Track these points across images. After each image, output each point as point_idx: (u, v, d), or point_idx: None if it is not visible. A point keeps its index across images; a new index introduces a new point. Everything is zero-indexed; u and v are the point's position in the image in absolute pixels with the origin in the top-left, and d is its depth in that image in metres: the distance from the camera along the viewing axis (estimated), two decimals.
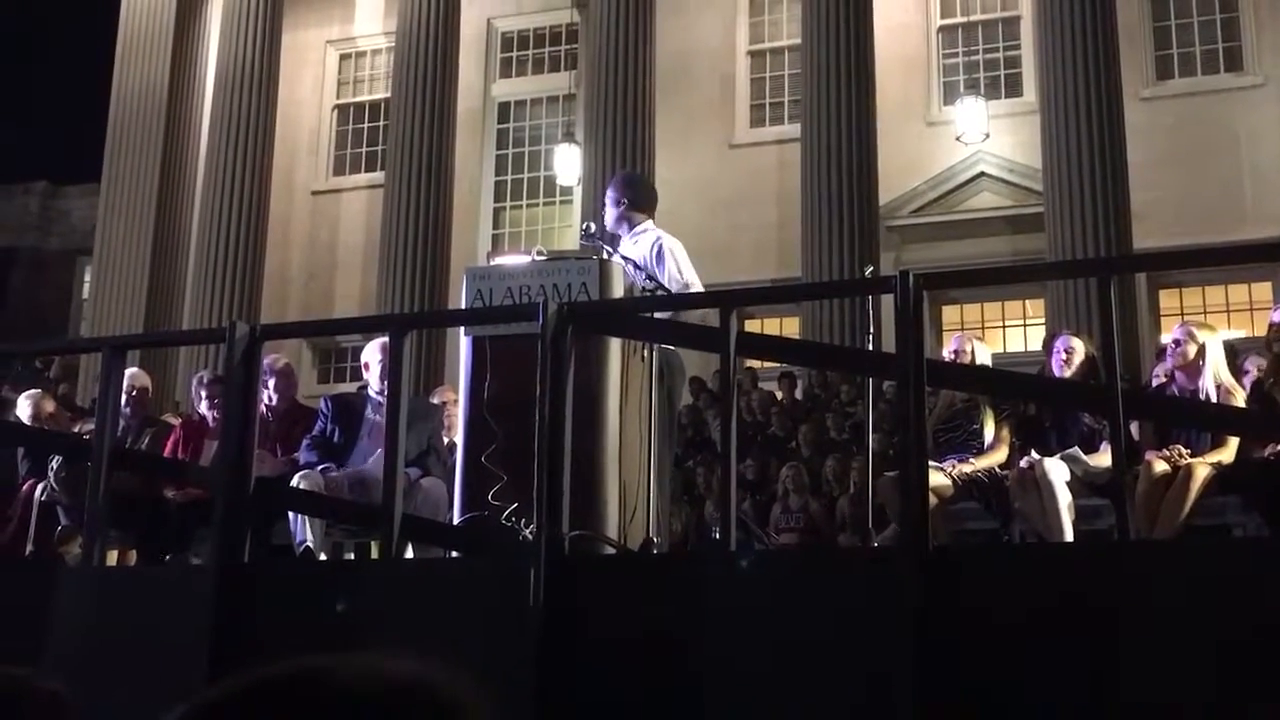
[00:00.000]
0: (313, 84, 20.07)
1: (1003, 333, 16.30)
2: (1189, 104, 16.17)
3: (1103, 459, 5.78)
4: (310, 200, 19.72)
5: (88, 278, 20.68)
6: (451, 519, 5.69)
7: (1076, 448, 6.07)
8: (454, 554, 5.81)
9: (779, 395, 12.87)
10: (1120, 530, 4.56)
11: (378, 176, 18.33)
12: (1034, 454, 5.99)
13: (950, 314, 16.35)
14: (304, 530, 6.16)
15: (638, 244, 6.27)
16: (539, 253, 5.85)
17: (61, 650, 5.10)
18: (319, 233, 19.51)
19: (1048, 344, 8.14)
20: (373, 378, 6.79)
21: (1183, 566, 4.30)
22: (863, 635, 4.30)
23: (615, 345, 5.43)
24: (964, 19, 17.39)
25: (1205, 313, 14.90)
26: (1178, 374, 6.17)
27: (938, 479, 5.85)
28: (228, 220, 17.06)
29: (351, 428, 6.70)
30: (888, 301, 4.91)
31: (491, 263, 6.01)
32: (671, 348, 5.92)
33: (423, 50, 17.08)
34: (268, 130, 17.62)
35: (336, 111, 20.20)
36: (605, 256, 5.80)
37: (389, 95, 18.09)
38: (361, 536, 6.42)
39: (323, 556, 6.23)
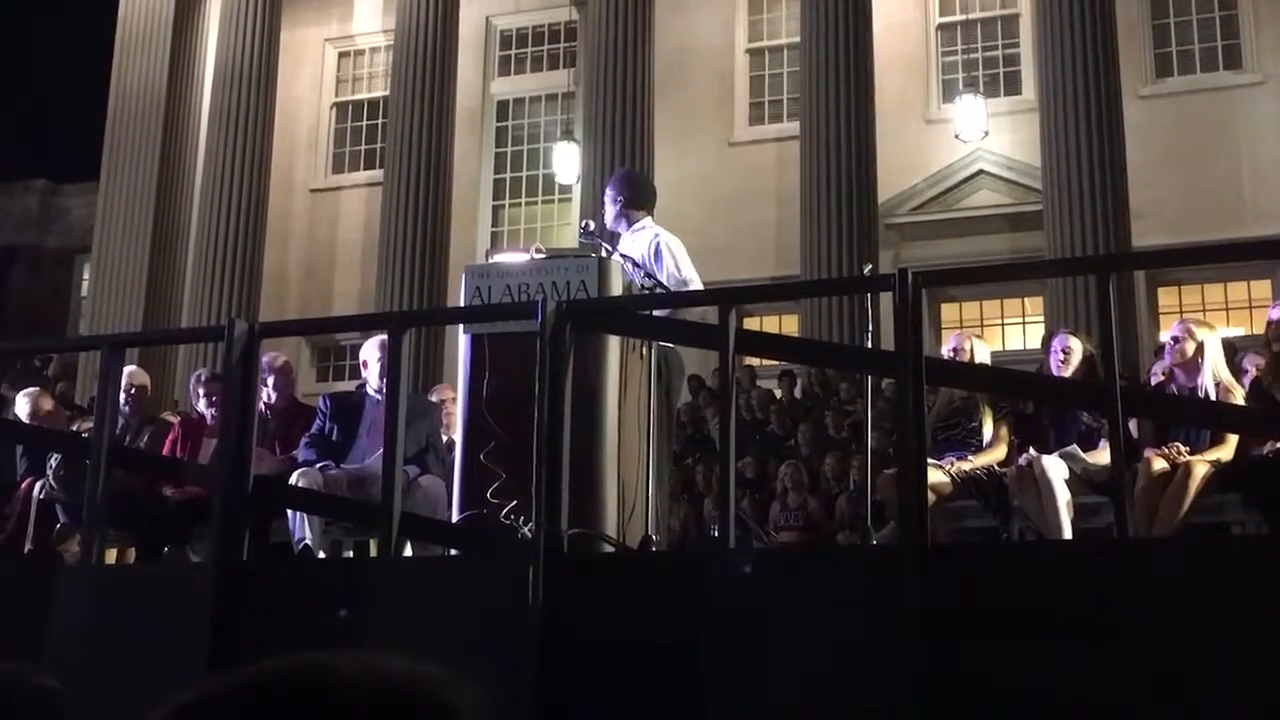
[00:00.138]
0: (311, 82, 20.06)
1: (1002, 331, 16.31)
2: (1188, 102, 16.17)
3: (1101, 456, 5.78)
4: (309, 198, 19.72)
5: (86, 276, 20.67)
6: (450, 517, 5.69)
7: (1075, 445, 6.07)
8: (453, 552, 5.81)
9: (778, 393, 12.87)
10: (1119, 528, 4.56)
11: (376, 174, 18.33)
12: (1033, 452, 5.98)
13: (949, 312, 16.35)
14: (303, 528, 6.16)
15: (636, 241, 6.27)
16: (538, 250, 5.85)
17: (60, 648, 5.10)
18: (318, 230, 19.51)
19: (1046, 342, 8.14)
20: (371, 375, 6.78)
21: (1181, 564, 4.30)
22: (862, 633, 4.30)
23: (614, 343, 5.43)
24: (963, 17, 17.38)
25: (1204, 310, 14.90)
26: (1176, 372, 6.17)
27: (937, 477, 5.84)
28: (226, 218, 17.06)
29: (350, 426, 6.70)
30: (887, 299, 4.90)
31: (490, 260, 6.00)
32: (670, 345, 5.92)
33: (421, 48, 17.08)
34: (266, 128, 17.62)
35: (335, 109, 20.19)
36: (604, 254, 5.79)
37: (388, 93, 18.09)
38: (360, 534, 6.42)
39: (321, 554, 6.23)
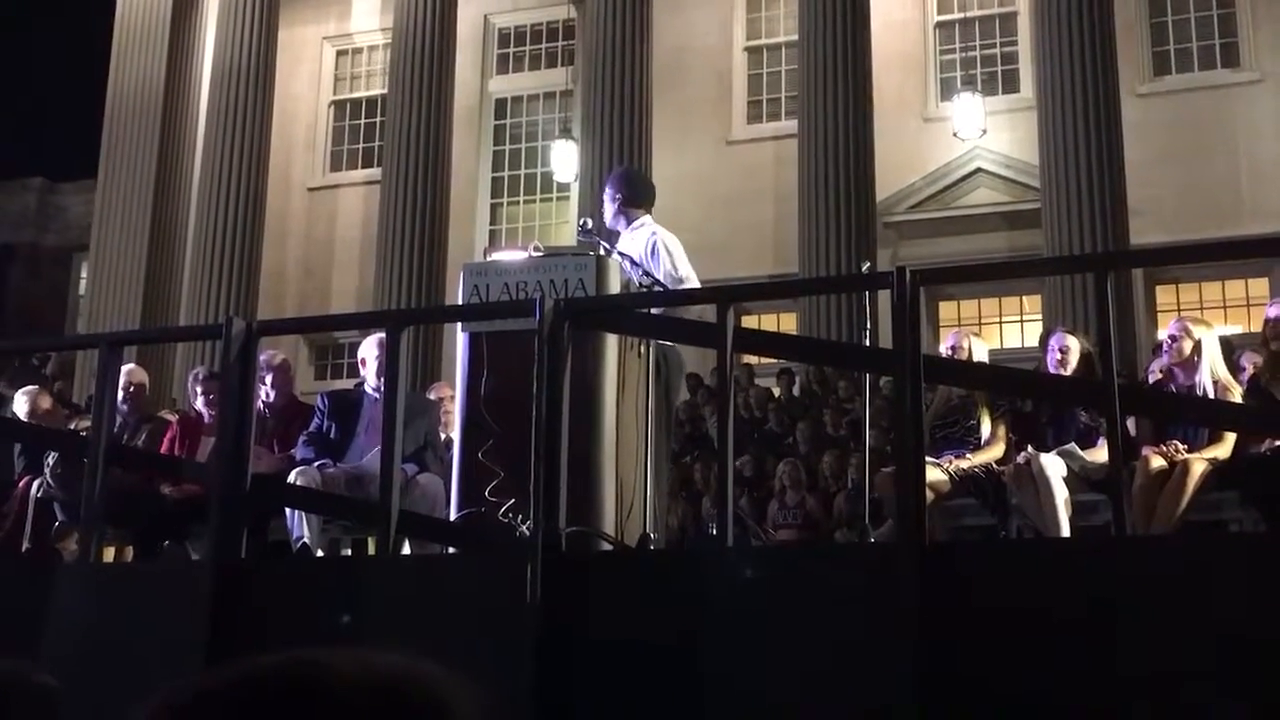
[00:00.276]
0: (309, 80, 20.05)
1: (1000, 329, 16.31)
2: (1186, 100, 16.18)
3: (1099, 454, 5.78)
4: (307, 196, 19.71)
5: (84, 274, 20.65)
6: (448, 515, 5.69)
7: (1073, 443, 6.07)
8: (451, 550, 5.81)
9: (776, 391, 12.87)
10: (1117, 526, 4.56)
11: (374, 172, 18.32)
12: (1031, 450, 5.99)
13: (947, 310, 16.36)
14: (301, 526, 6.16)
15: (635, 240, 6.27)
16: (536, 249, 5.84)
17: (58, 646, 5.10)
18: (316, 229, 19.50)
19: (1044, 340, 8.14)
20: (369, 373, 6.78)
21: (1179, 562, 4.30)
22: (860, 631, 4.30)
23: (612, 341, 5.43)
24: (961, 15, 17.38)
25: (1202, 308, 14.91)
26: (1174, 370, 6.17)
27: (935, 475, 5.85)
28: (224, 216, 17.05)
29: (348, 424, 6.70)
30: (885, 297, 4.90)
31: (488, 259, 6.00)
32: (670, 343, 5.92)
33: (419, 46, 17.07)
34: (264, 126, 17.61)
35: (333, 107, 20.18)
36: (602, 252, 5.79)
37: (386, 91, 18.08)
38: (358, 533, 6.42)
39: (320, 553, 6.23)
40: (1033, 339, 14.33)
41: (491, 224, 19.11)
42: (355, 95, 20.13)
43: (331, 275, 19.09)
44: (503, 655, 4.51)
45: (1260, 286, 15.28)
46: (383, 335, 6.32)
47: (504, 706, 4.11)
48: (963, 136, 15.73)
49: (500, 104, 19.57)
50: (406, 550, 5.84)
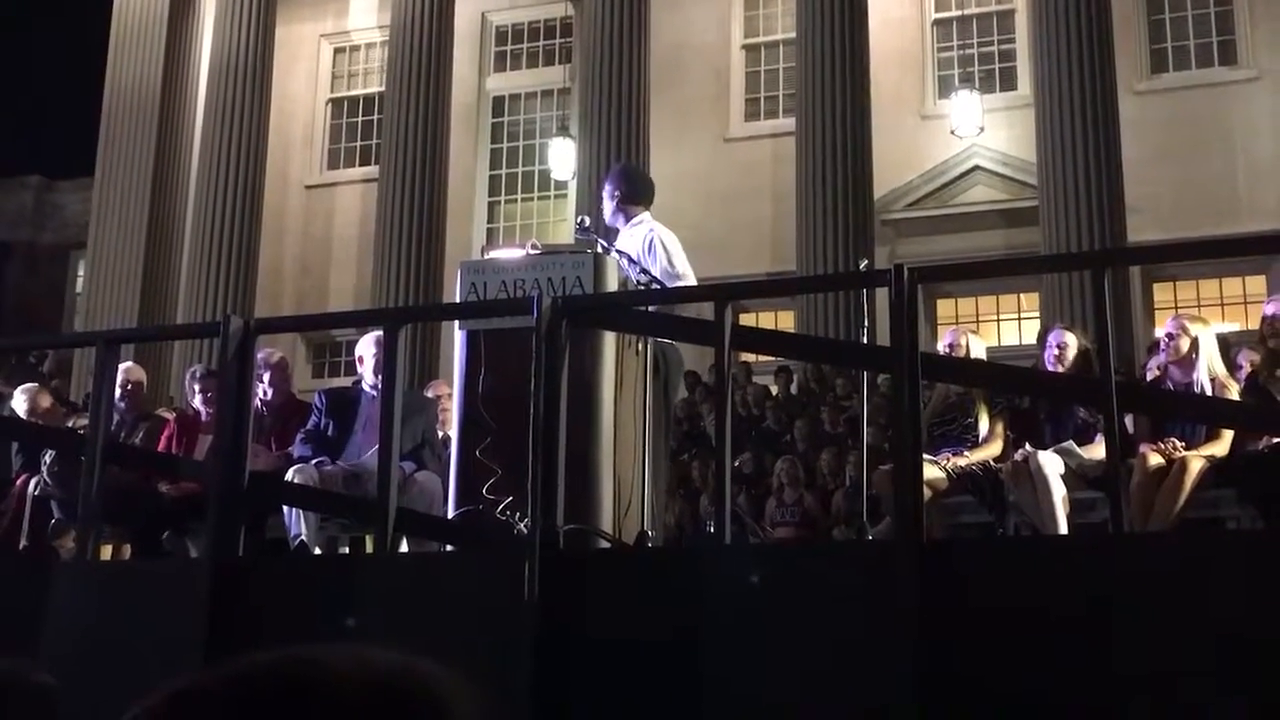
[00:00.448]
0: (306, 78, 20.03)
1: (997, 326, 16.32)
2: (1184, 98, 16.18)
3: (1097, 452, 5.78)
4: (304, 194, 19.70)
5: (81, 272, 20.63)
6: (446, 513, 5.69)
7: (1071, 441, 6.07)
8: (449, 548, 5.80)
9: (774, 389, 12.87)
10: (1114, 523, 4.56)
11: (372, 170, 18.32)
12: (1028, 447, 5.99)
13: (945, 308, 16.36)
14: (299, 524, 6.15)
15: (633, 237, 6.26)
16: (533, 246, 5.84)
17: (56, 644, 5.10)
18: (313, 227, 19.49)
19: (1042, 338, 8.14)
20: (367, 371, 6.77)
21: (1177, 559, 4.31)
22: (858, 628, 4.30)
23: (610, 339, 5.43)
24: (958, 13, 17.38)
25: (1199, 306, 14.93)
26: (1171, 368, 6.18)
27: (932, 472, 5.85)
28: (222, 214, 17.04)
29: (346, 422, 6.69)
30: (883, 295, 4.90)
31: (486, 257, 5.98)
32: (669, 341, 5.91)
33: (417, 44, 17.06)
34: (261, 124, 17.60)
35: (330, 105, 20.17)
36: (600, 250, 5.79)
37: (383, 89, 18.07)
38: (356, 530, 6.42)
39: (317, 550, 6.22)
40: (1030, 336, 14.35)
41: (489, 222, 19.10)
42: (353, 93, 20.12)
43: (329, 273, 19.08)
44: (500, 653, 4.51)
45: (1257, 284, 15.29)
46: (380, 333, 6.32)
47: (502, 704, 4.11)
48: (960, 134, 15.73)
49: (498, 102, 19.56)
50: (404, 548, 5.84)
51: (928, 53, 17.47)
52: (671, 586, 4.66)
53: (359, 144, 19.76)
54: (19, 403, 8.40)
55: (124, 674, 4.71)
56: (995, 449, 6.30)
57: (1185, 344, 6.08)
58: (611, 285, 5.56)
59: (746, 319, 14.72)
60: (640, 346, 5.56)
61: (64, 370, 16.27)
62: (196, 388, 7.56)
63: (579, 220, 6.47)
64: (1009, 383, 6.50)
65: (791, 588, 4.52)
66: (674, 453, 9.82)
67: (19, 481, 7.60)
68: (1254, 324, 8.80)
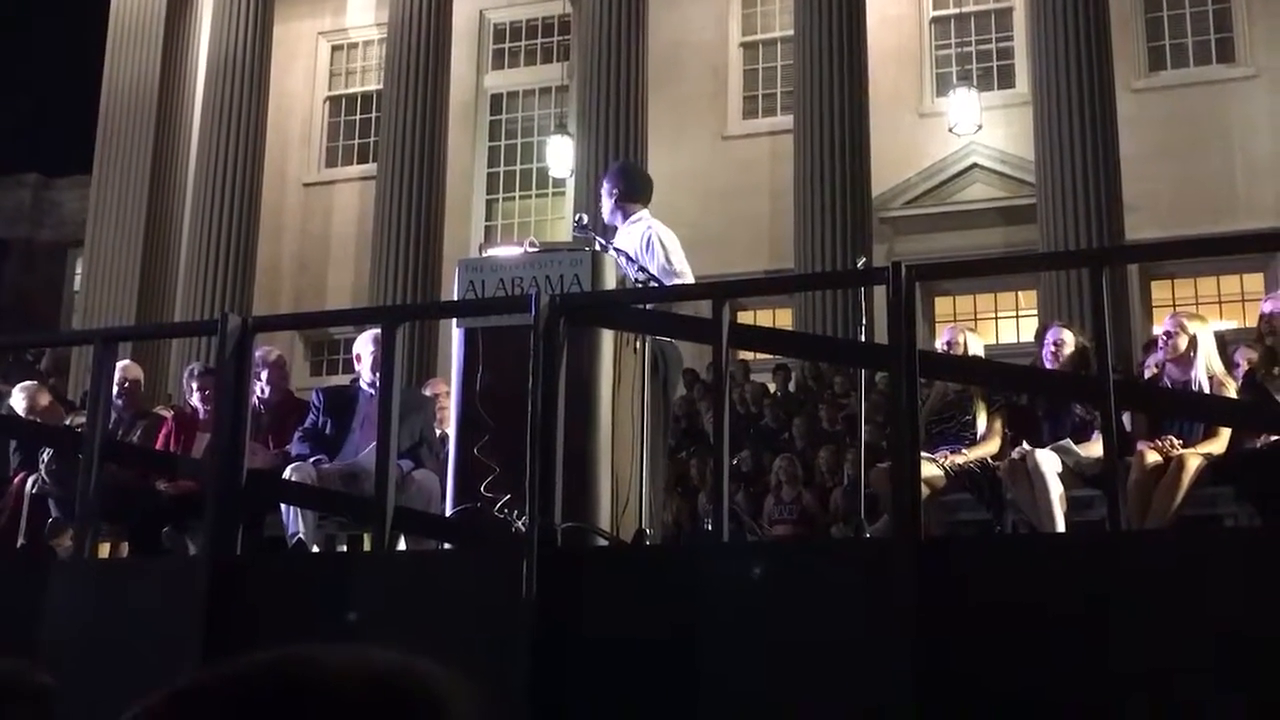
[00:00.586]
0: (304, 76, 20.02)
1: (995, 324, 16.32)
2: (1181, 95, 16.18)
3: (1094, 449, 5.78)
4: (302, 192, 19.69)
5: (79, 269, 20.61)
6: (444, 511, 5.69)
7: (1068, 438, 6.08)
8: (446, 546, 5.80)
9: (772, 387, 12.87)
10: (1112, 521, 4.56)
11: (370, 168, 18.30)
12: (1026, 445, 5.99)
13: (943, 305, 16.37)
14: (296, 522, 6.15)
15: (631, 234, 6.26)
16: (531, 244, 5.84)
17: (53, 643, 5.09)
18: (311, 225, 19.48)
19: (1040, 336, 8.14)
20: (365, 369, 6.77)
21: (1174, 557, 4.31)
22: (856, 626, 4.30)
23: (608, 337, 5.43)
24: (956, 10, 17.38)
25: (1197, 304, 14.93)
26: (1169, 365, 6.18)
27: (930, 470, 5.85)
28: (219, 212, 17.03)
29: (344, 420, 6.69)
30: (880, 293, 4.90)
31: (484, 254, 5.98)
32: (667, 338, 5.91)
33: (415, 42, 17.05)
34: (259, 122, 17.58)
35: (328, 103, 20.16)
36: (598, 248, 5.79)
37: (381, 87, 18.06)
38: (354, 529, 6.42)
39: (315, 549, 6.22)
40: (1028, 334, 14.34)
41: (487, 220, 19.09)
42: (350, 91, 20.11)
43: (327, 271, 19.07)
44: (498, 651, 4.51)
45: (1255, 282, 15.30)
46: (378, 331, 6.32)
47: (499, 702, 4.11)
48: (958, 132, 15.73)
49: (496, 99, 19.55)
50: (402, 546, 5.84)
51: (926, 50, 17.46)
52: (669, 584, 4.66)
53: (357, 142, 19.75)
54: (17, 401, 8.39)
55: (122, 672, 4.71)
56: (993, 447, 6.31)
57: (1183, 342, 6.08)
58: (609, 283, 5.56)
59: (744, 317, 14.73)
60: (638, 344, 5.56)
61: (62, 368, 16.25)
62: (194, 386, 7.56)
63: (577, 218, 6.47)
64: (1007, 380, 6.50)
65: (789, 585, 4.53)
66: (672, 450, 9.82)
67: (17, 479, 7.60)
68: (1252, 322, 8.80)
